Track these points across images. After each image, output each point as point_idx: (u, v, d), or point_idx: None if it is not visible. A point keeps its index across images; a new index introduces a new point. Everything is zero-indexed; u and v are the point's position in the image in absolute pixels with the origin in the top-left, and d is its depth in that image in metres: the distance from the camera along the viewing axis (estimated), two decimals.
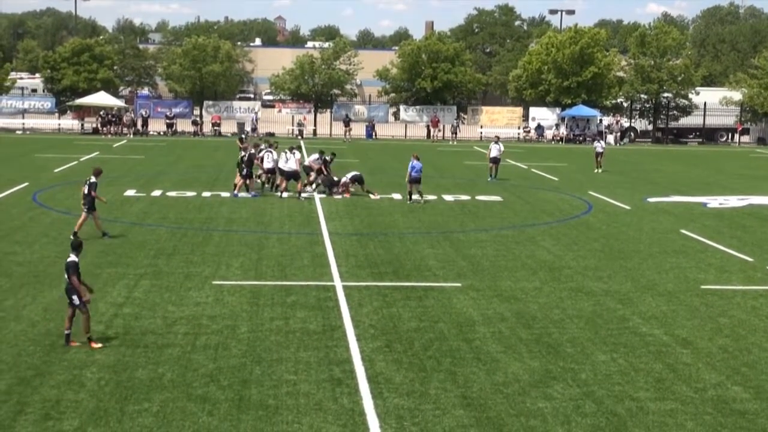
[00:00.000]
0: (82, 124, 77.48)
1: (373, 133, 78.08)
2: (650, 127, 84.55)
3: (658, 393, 15.13)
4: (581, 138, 79.18)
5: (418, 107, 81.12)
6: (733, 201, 40.22)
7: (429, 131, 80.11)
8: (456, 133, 77.91)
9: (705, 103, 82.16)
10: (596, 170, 50.24)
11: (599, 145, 51.98)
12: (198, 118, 78.08)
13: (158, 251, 25.86)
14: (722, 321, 19.85)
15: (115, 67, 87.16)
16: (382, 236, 29.22)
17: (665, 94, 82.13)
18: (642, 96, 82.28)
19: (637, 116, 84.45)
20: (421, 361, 16.35)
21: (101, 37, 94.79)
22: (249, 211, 33.87)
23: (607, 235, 30.69)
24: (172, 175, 45.60)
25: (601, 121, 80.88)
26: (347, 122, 76.02)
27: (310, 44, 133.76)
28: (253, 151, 38.49)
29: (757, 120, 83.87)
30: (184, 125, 78.42)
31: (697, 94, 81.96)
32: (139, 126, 75.28)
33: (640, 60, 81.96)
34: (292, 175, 37.18)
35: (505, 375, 15.76)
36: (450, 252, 26.82)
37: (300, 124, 77.59)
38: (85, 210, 27.51)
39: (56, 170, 46.38)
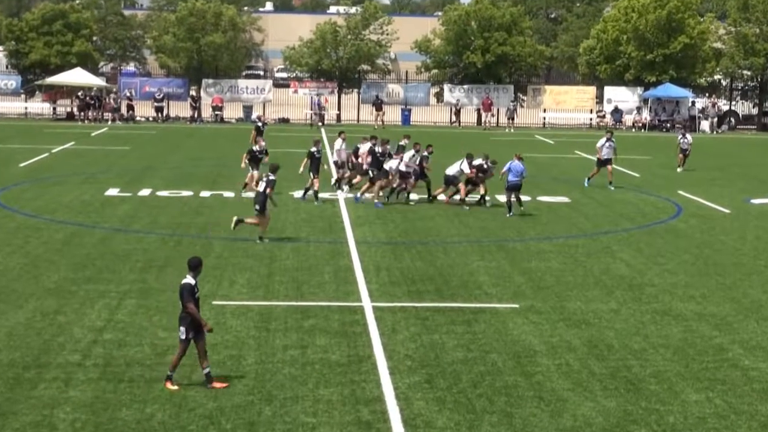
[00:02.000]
0: (54, 108, 78.24)
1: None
2: (755, 111, 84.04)
3: None
4: (669, 125, 78.89)
5: (466, 86, 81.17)
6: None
7: (480, 116, 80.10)
8: (513, 119, 77.86)
9: None
10: (678, 168, 49.55)
11: (684, 141, 50.43)
12: (195, 101, 78.44)
13: (146, 264, 26.00)
14: None
15: (94, 39, 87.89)
16: (421, 246, 29.23)
17: None
18: (745, 73, 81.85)
19: (739, 98, 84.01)
20: (469, 401, 16.35)
21: (77, 2, 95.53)
22: None
23: (701, 244, 30.53)
24: (164, 170, 45.86)
25: (693, 103, 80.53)
26: (379, 105, 76.22)
27: (333, 9, 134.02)
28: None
29: None
30: (178, 109, 78.90)
31: None
32: (123, 110, 75.78)
33: (743, 27, 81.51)
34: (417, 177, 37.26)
35: (573, 418, 15.72)
36: (505, 266, 26.79)
37: (321, 107, 77.74)
38: (257, 210, 28.89)
39: (22, 164, 46.80)
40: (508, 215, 34.33)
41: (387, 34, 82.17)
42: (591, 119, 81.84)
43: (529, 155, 55.30)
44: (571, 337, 20.15)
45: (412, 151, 37.76)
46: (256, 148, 38.92)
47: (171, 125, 74.13)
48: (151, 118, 77.00)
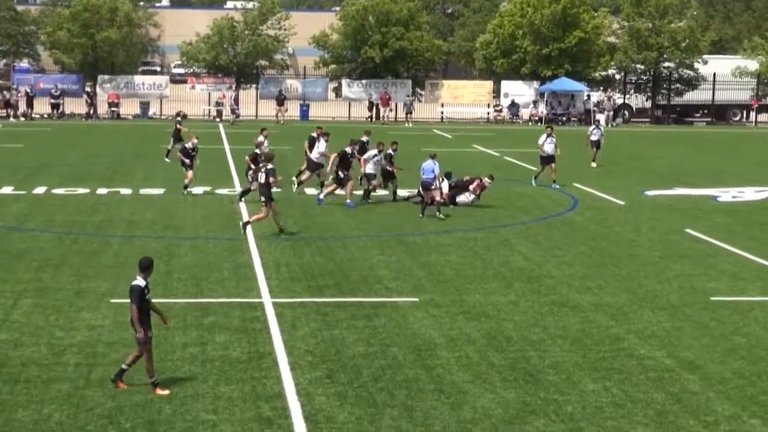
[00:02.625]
0: None
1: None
2: (648, 105, 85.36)
3: (660, 428, 15.27)
4: (564, 118, 79.77)
5: (364, 81, 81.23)
6: (749, 193, 40.75)
7: (378, 111, 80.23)
8: (411, 113, 78.13)
9: (714, 75, 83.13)
10: (592, 163, 48.88)
11: (596, 132, 49.59)
12: (91, 97, 77.40)
13: (42, 262, 25.63)
14: (737, 340, 20.09)
15: None
16: (320, 241, 29.21)
17: (666, 64, 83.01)
18: (638, 66, 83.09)
19: (633, 91, 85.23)
20: (370, 395, 16.37)
21: None
22: (155, 211, 33.71)
23: (597, 236, 30.92)
24: (59, 167, 45.24)
25: (588, 97, 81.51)
26: (281, 100, 75.94)
27: (230, 4, 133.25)
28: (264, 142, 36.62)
29: None
30: (73, 105, 77.82)
31: (705, 63, 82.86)
32: (23, 108, 74.29)
33: (636, 22, 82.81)
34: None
35: (473, 410, 15.82)
36: (405, 260, 26.88)
37: (219, 104, 77.28)
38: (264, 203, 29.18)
39: None
40: (420, 217, 33.41)
41: (284, 30, 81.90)
42: (488, 113, 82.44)
43: (426, 150, 55.58)
44: (470, 330, 20.28)
45: (375, 151, 36.84)
46: (189, 145, 38.21)
47: (66, 122, 73.08)
48: (46, 115, 75.86)
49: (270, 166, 29.67)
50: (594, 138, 49.32)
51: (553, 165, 41.70)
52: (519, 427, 15.14)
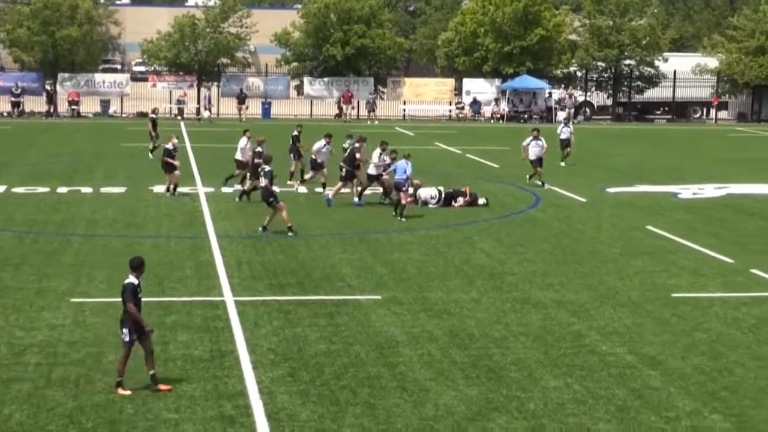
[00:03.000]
0: None
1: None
2: (609, 102, 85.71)
3: (622, 424, 15.34)
4: (526, 116, 79.97)
5: (326, 79, 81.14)
6: (710, 190, 41.00)
7: (340, 109, 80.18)
8: (374, 111, 78.11)
9: (675, 72, 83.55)
10: (561, 163, 48.10)
11: (565, 130, 49.07)
12: (51, 95, 76.93)
13: (2, 262, 25.47)
14: (698, 336, 20.22)
15: None
16: (282, 239, 29.17)
17: (627, 62, 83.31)
18: (599, 64, 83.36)
19: (594, 89, 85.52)
20: (332, 393, 16.37)
21: None
22: (116, 210, 33.55)
23: (559, 233, 31.04)
24: (19, 166, 44.92)
25: (550, 95, 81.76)
26: (242, 98, 75.70)
27: (191, 1, 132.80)
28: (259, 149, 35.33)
29: (737, 92, 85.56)
30: (33, 104, 77.30)
31: (665, 61, 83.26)
32: None
33: (597, 20, 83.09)
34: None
35: (435, 407, 15.84)
36: (367, 257, 26.89)
37: (180, 102, 77.00)
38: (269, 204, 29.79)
39: None
40: (395, 215, 33.09)
41: (246, 27, 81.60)
42: (450, 111, 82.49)
43: (390, 148, 55.54)
44: (432, 327, 20.31)
45: (379, 150, 35.85)
46: (169, 146, 36.90)
47: (26, 120, 72.57)
48: (6, 113, 75.32)
49: (267, 168, 30.03)
50: (563, 137, 48.94)
51: (539, 169, 41.08)
52: (481, 424, 15.17)
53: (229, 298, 22.30)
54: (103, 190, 37.84)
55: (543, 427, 15.10)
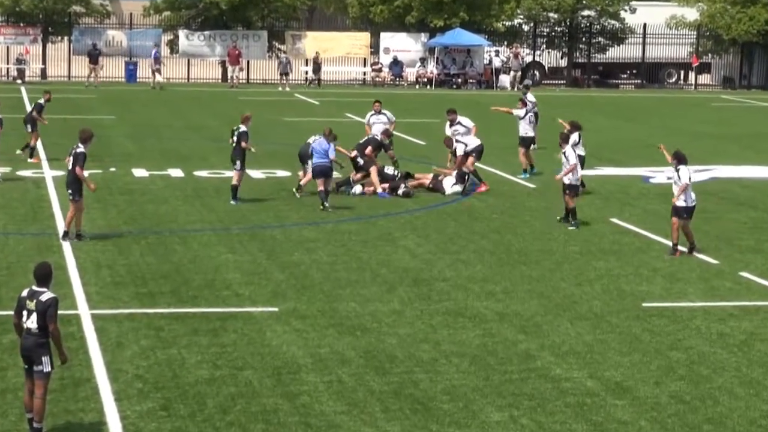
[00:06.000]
0: None
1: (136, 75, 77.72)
2: (564, 63, 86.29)
3: None
4: (459, 80, 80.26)
5: (207, 33, 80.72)
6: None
7: (225, 71, 79.86)
8: (287, 74, 77.36)
9: (644, 26, 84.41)
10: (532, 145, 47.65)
11: (530, 99, 46.21)
12: None
13: None
14: (674, 356, 20.42)
15: None
16: (153, 236, 29.02)
17: (585, 13, 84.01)
18: (551, 15, 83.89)
19: (544, 46, 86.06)
20: (217, 430, 16.31)
21: None
22: None
23: (502, 228, 31.19)
24: None
25: (497, 53, 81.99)
26: (95, 57, 74.96)
27: None
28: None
29: (722, 51, 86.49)
30: None
31: (633, 12, 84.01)
32: None
33: None
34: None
35: None
36: (261, 259, 26.84)
37: (20, 61, 76.18)
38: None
39: None
40: (321, 209, 32.93)
41: None
42: (365, 74, 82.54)
43: (288, 120, 55.63)
44: (343, 347, 20.30)
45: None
46: None
47: None
48: None
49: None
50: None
51: (531, 146, 41.59)
52: None
53: (84, 311, 22.16)
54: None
55: None
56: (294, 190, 34.80)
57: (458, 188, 36.18)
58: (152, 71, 74.77)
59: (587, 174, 40.18)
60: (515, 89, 79.05)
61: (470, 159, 36.32)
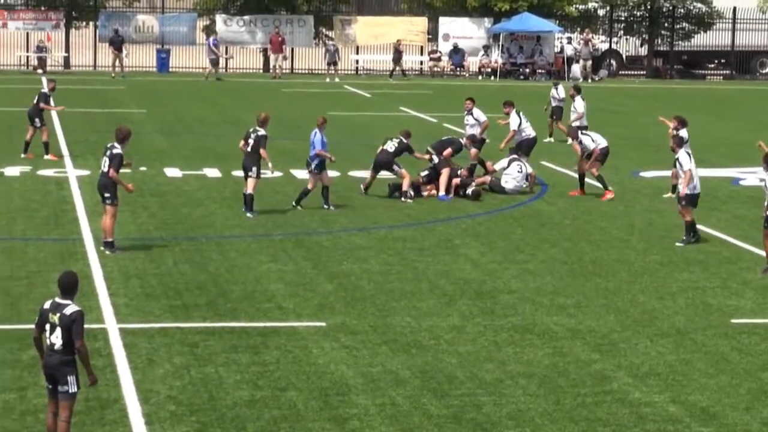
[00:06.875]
0: None
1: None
2: (644, 52, 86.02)
3: None
4: (528, 70, 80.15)
5: (247, 17, 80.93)
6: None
7: (267, 59, 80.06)
8: (336, 63, 77.45)
9: (734, 11, 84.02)
10: (548, 138, 48.72)
11: (556, 93, 49.48)
12: None
13: None
14: (767, 378, 20.33)
15: None
16: (188, 243, 29.13)
17: None
18: (629, 1, 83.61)
19: (622, 34, 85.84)
20: None
21: None
22: None
23: (574, 234, 31.13)
24: None
25: (570, 40, 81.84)
26: (118, 44, 75.13)
27: None
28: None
29: None
30: None
31: None
32: None
33: None
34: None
35: None
36: (306, 268, 26.89)
37: (41, 49, 76.60)
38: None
39: None
40: (294, 204, 33.67)
41: None
42: (422, 63, 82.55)
43: (335, 114, 55.68)
44: (398, 366, 20.32)
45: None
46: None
47: None
48: None
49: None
50: (555, 102, 49.66)
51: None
52: None
53: (111, 324, 22.24)
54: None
55: None
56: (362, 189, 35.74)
57: (504, 163, 37.26)
58: (210, 61, 74.91)
59: (670, 175, 40.15)
60: (588, 80, 78.99)
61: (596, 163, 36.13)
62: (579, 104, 43.42)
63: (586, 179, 35.94)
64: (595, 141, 35.98)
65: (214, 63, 74.71)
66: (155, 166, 39.62)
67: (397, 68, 79.22)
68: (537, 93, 62.65)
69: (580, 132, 36.68)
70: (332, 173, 38.06)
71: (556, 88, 49.31)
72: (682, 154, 30.16)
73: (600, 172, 35.78)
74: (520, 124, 39.10)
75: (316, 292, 24.89)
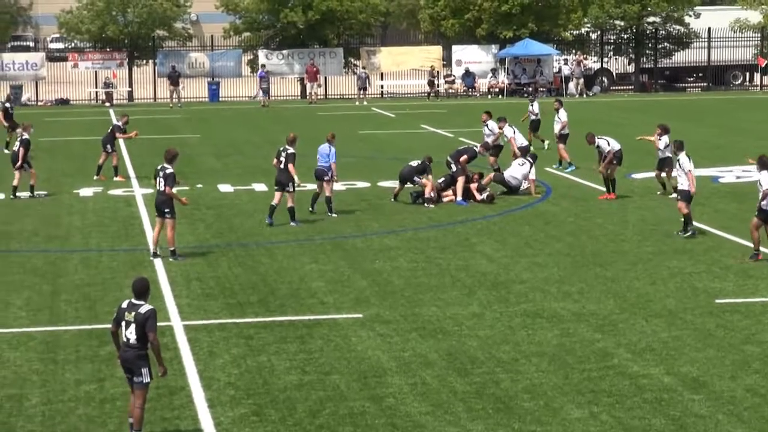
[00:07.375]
0: None
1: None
2: (631, 69, 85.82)
3: None
4: (531, 89, 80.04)
5: (285, 52, 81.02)
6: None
7: (303, 87, 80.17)
8: (365, 89, 77.49)
9: (709, 30, 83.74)
10: (545, 147, 47.74)
11: (532, 108, 49.20)
12: None
13: None
14: (749, 350, 20.27)
15: None
16: (240, 248, 29.13)
17: (651, 19, 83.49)
18: (617, 23, 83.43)
19: (611, 53, 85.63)
20: None
21: None
22: (35, 219, 33.43)
23: (576, 230, 31.07)
24: None
25: (566, 62, 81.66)
26: (175, 79, 75.21)
27: None
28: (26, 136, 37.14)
29: None
30: None
31: (698, 17, 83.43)
32: None
33: None
34: None
35: None
36: (344, 267, 26.88)
37: (108, 85, 76.84)
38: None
39: None
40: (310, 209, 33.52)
41: None
42: (438, 85, 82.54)
43: (364, 132, 55.76)
44: (426, 350, 20.31)
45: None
46: (26, 136, 37.38)
47: None
48: None
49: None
50: (532, 116, 49.32)
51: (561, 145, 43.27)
52: None
53: (177, 322, 22.27)
54: (19, 194, 37.62)
55: None
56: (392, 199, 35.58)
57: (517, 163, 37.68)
58: (261, 90, 74.91)
59: (651, 175, 40.03)
60: (584, 96, 79.03)
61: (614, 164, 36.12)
62: (563, 115, 43.88)
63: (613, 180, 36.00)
64: (610, 144, 36.00)
65: (266, 92, 74.72)
66: (210, 183, 39.66)
67: (432, 90, 79.61)
68: (541, 109, 62.43)
69: (597, 137, 36.64)
70: (363, 184, 38.12)
71: (532, 105, 49.51)
72: (683, 157, 30.17)
73: (616, 175, 35.93)
74: (514, 133, 40.28)
75: (353, 288, 24.90)
